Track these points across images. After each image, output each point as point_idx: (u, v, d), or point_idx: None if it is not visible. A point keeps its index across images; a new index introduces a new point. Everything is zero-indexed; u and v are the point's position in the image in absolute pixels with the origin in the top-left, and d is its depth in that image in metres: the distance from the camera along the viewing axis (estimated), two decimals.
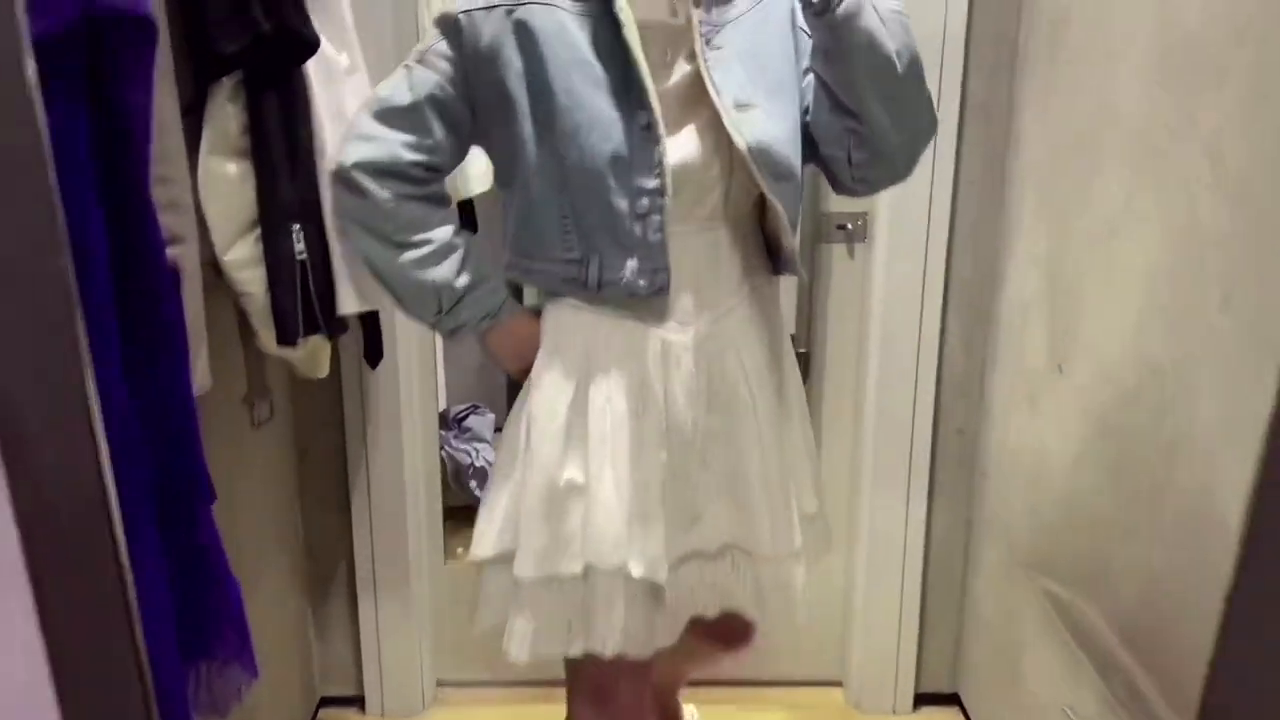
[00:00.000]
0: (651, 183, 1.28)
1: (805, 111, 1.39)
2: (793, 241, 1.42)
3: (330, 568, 2.32)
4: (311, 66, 1.57)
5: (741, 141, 1.30)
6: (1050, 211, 1.96)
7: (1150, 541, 1.59)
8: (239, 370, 1.78)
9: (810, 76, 1.38)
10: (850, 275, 2.29)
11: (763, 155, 1.31)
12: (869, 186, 1.41)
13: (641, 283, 1.32)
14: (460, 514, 2.65)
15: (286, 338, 1.58)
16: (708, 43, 1.31)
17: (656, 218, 1.30)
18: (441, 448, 2.66)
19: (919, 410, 2.28)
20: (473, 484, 2.89)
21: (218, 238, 1.52)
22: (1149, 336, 1.60)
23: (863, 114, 1.30)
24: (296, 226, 1.57)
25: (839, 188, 1.44)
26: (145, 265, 1.17)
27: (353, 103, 1.66)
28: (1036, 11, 2.02)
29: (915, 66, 1.28)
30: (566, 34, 1.29)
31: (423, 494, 2.33)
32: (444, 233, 1.36)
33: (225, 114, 1.50)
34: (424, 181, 1.35)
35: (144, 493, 1.15)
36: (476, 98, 1.33)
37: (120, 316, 1.15)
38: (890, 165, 1.37)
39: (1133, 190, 1.68)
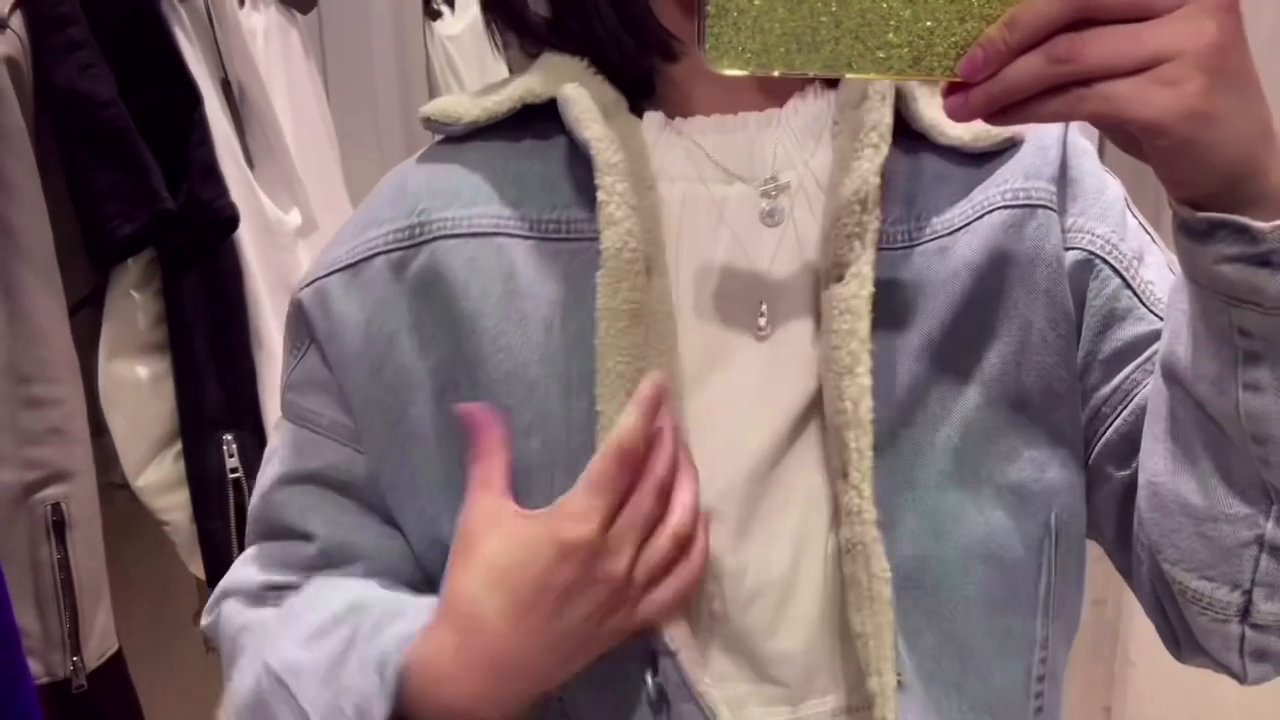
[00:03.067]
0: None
1: (1102, 480, 0.64)
2: None
3: None
4: (246, 233, 1.25)
5: (878, 563, 0.57)
6: None
7: None
8: (186, 584, 1.47)
9: (1122, 399, 0.62)
10: None
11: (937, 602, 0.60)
12: (1269, 664, 0.59)
13: None
14: None
15: (217, 575, 1.25)
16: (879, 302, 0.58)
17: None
18: None
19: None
20: None
21: (127, 459, 1.22)
22: None
23: None
24: (228, 437, 1.26)
25: (1190, 651, 0.62)
26: None
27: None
28: None
29: None
30: (522, 297, 0.61)
31: None
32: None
33: (130, 304, 1.20)
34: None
35: None
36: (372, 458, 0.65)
37: None
38: None
39: None
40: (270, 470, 0.68)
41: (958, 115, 0.47)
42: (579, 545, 0.53)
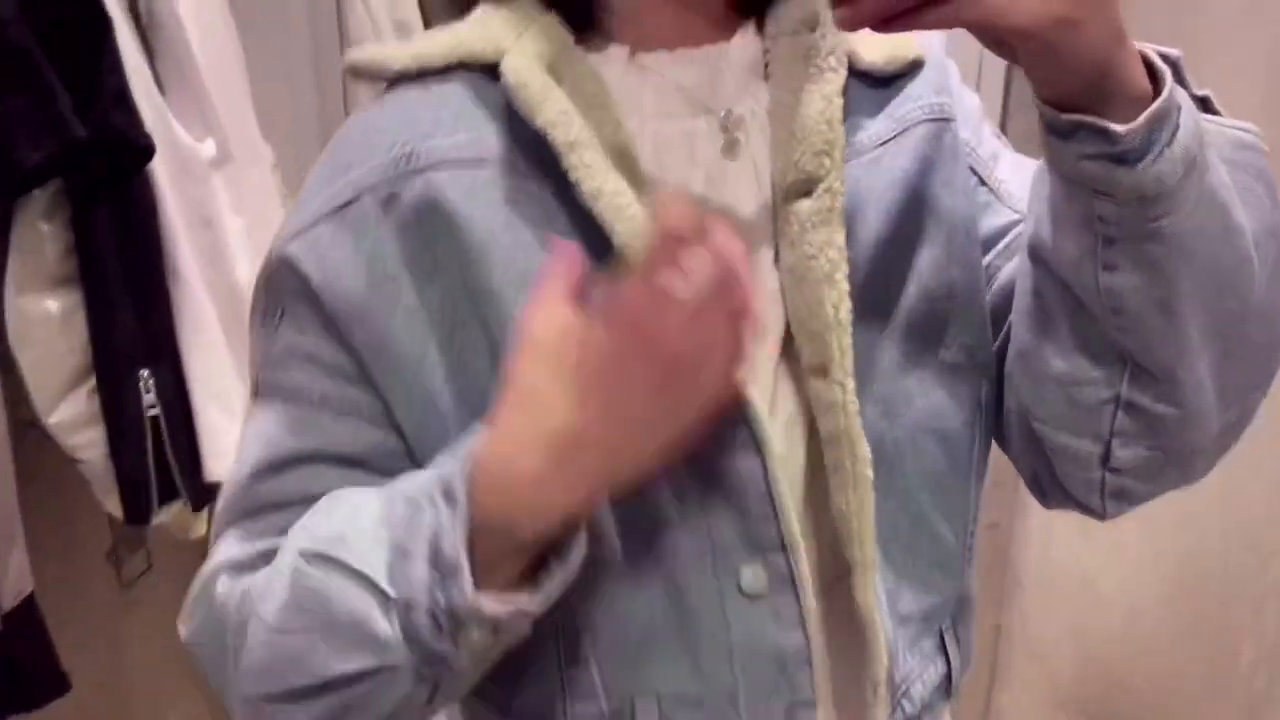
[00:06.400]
0: (765, 529, 0.62)
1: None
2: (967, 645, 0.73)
3: None
4: (160, 162, 1.21)
5: (862, 449, 0.62)
6: None
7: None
8: (98, 522, 1.44)
9: (1000, 266, 0.69)
10: None
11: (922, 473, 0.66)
12: (1125, 502, 0.66)
13: None
14: None
15: (136, 514, 1.24)
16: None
17: (789, 603, 0.63)
18: None
19: None
20: None
21: (38, 395, 1.19)
22: (1246, 470, 1.25)
23: (1166, 372, 0.59)
24: (145, 373, 1.23)
25: (1056, 498, 0.69)
26: None
27: (224, 202, 1.30)
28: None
29: None
30: (529, 225, 0.60)
31: None
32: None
33: (39, 235, 1.16)
34: None
35: None
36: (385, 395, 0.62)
37: None
38: (1187, 466, 0.65)
39: None
40: (250, 456, 0.63)
41: (847, 25, 0.51)
42: (629, 321, 0.52)
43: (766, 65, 0.65)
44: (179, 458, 1.26)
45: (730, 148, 0.63)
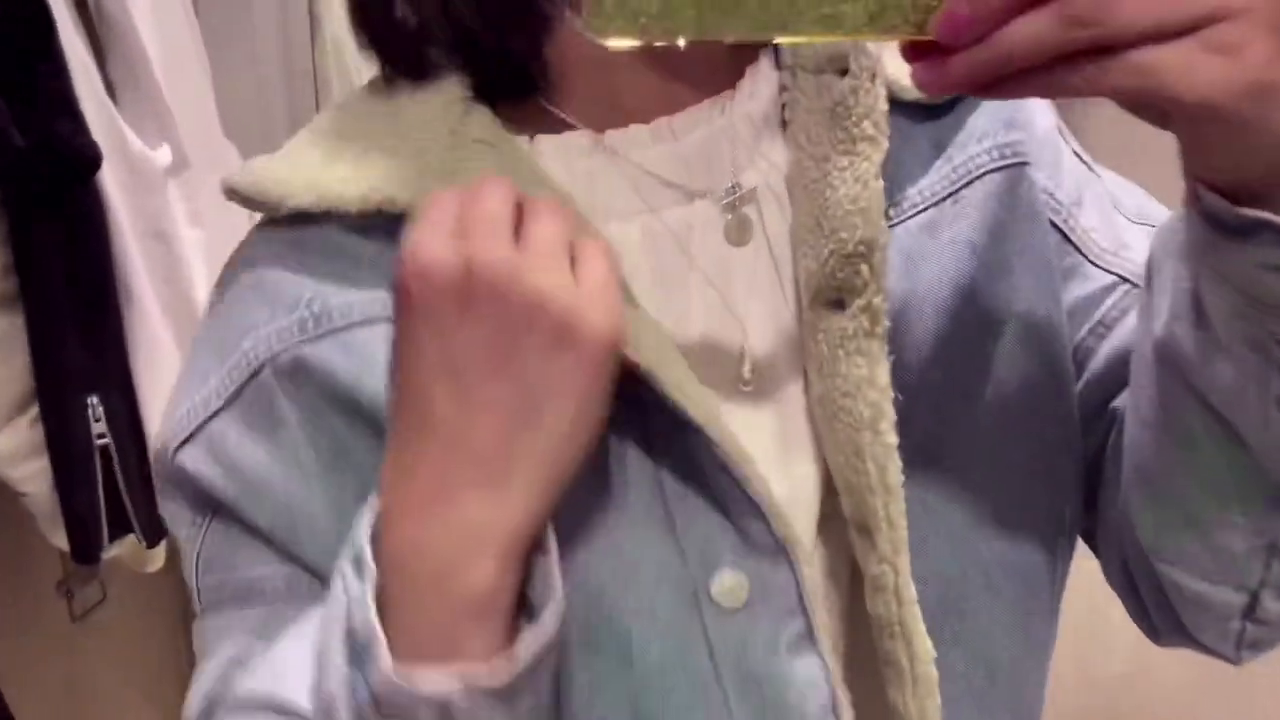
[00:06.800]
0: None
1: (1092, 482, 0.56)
2: None
3: None
4: (109, 173, 1.12)
5: (922, 644, 0.50)
6: None
7: None
8: (47, 553, 1.36)
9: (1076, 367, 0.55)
10: None
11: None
12: (1260, 650, 0.54)
13: None
14: None
15: (84, 552, 1.15)
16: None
17: None
18: None
19: None
20: None
21: None
22: None
23: None
24: (93, 399, 1.15)
25: (1174, 640, 0.56)
26: None
27: (181, 213, 1.22)
28: None
29: None
30: None
31: None
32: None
33: None
34: None
35: None
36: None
37: None
38: None
39: None
40: (216, 671, 0.49)
41: (931, 87, 0.37)
42: (432, 268, 0.41)
43: (784, 106, 0.51)
44: (131, 490, 1.18)
45: (739, 229, 0.50)
